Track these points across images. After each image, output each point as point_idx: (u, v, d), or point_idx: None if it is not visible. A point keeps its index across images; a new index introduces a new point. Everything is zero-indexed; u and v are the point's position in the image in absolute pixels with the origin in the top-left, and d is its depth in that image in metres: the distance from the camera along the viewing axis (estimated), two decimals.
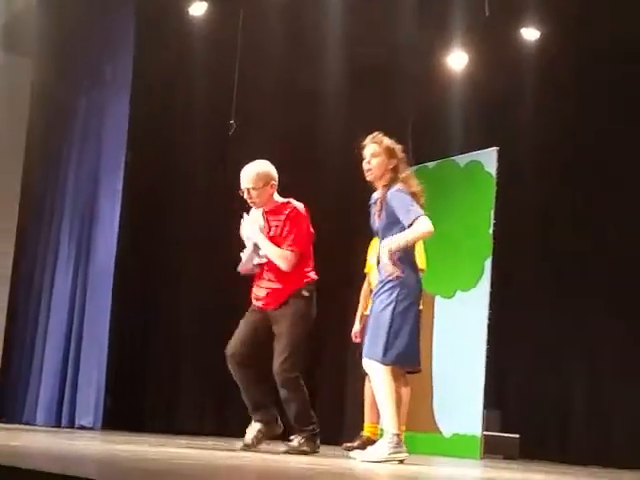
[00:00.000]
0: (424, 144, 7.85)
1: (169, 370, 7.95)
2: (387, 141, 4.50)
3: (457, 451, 6.95)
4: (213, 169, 8.03)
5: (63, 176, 7.15)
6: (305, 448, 4.60)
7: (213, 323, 7.92)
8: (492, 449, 7.17)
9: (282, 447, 4.68)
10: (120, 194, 6.82)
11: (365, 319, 5.94)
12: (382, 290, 4.36)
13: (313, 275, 4.79)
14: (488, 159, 7.42)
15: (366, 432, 5.99)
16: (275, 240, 4.70)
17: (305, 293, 4.69)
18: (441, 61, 7.78)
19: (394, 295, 4.30)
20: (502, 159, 7.35)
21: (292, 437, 4.67)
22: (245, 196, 4.69)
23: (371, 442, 5.30)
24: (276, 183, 4.73)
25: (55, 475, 1.94)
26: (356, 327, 6.16)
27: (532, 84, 7.50)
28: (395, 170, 4.43)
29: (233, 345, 4.68)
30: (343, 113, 7.79)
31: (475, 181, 7.50)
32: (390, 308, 4.29)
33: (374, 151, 4.47)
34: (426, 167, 7.76)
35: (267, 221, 4.76)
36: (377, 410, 5.88)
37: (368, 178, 4.52)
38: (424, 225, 4.26)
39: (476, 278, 7.23)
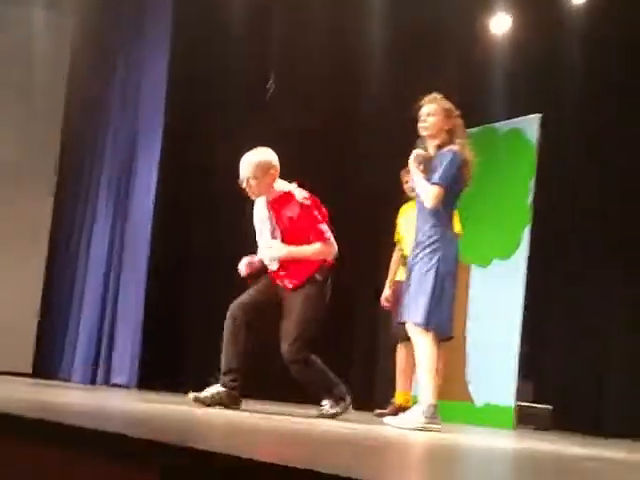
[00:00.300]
0: (465, 109, 7.73)
1: (205, 329, 7.97)
2: (445, 103, 4.49)
3: (489, 421, 6.92)
4: (250, 129, 7.98)
5: (102, 135, 7.17)
6: (335, 410, 4.57)
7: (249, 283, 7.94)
8: (524, 420, 7.13)
9: (315, 412, 4.67)
10: (158, 154, 6.82)
11: (397, 285, 5.92)
12: (422, 254, 4.34)
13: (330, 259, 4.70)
14: (530, 126, 7.28)
15: (398, 399, 5.98)
16: (293, 233, 4.60)
17: (318, 277, 4.63)
18: (484, 24, 7.64)
19: (435, 260, 4.31)
20: (544, 126, 7.21)
21: (323, 402, 4.66)
22: (244, 186, 4.60)
23: (403, 409, 5.30)
24: (276, 172, 4.62)
25: (89, 430, 1.95)
26: (386, 292, 6.15)
27: (577, 49, 7.31)
28: (450, 133, 4.43)
29: (238, 306, 4.60)
30: (385, 77, 7.69)
31: (516, 148, 7.37)
32: (432, 272, 4.29)
33: (431, 110, 4.48)
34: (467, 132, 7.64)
35: (274, 211, 4.65)
36: (409, 378, 5.90)
37: (422, 134, 4.53)
38: (430, 195, 4.36)
39: (514, 247, 7.14)
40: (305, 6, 7.33)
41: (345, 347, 8.71)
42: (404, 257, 5.89)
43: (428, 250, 4.35)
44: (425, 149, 4.56)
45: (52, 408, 3.01)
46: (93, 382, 6.64)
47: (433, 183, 4.37)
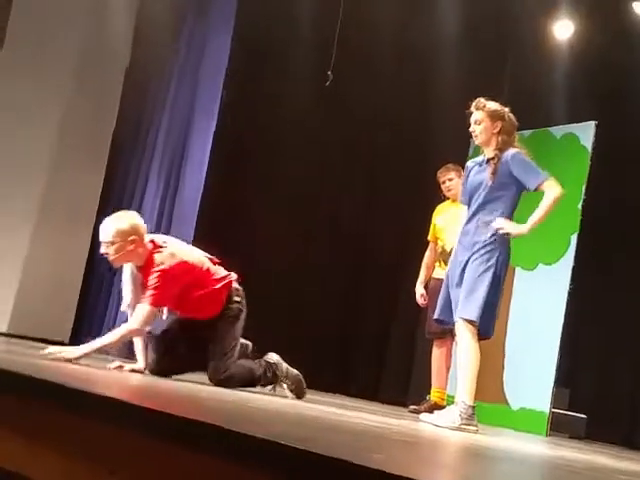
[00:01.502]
0: (521, 111, 7.68)
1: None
2: (490, 105, 4.49)
3: (523, 425, 6.89)
4: (306, 115, 8.00)
5: (158, 112, 7.23)
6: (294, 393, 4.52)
7: (290, 277, 8.00)
8: (558, 427, 7.09)
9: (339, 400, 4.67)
10: (212, 133, 6.87)
11: (434, 282, 5.91)
12: (481, 252, 4.34)
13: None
14: (585, 132, 7.21)
15: (433, 397, 5.97)
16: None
17: (231, 314, 4.36)
18: (547, 29, 7.57)
19: (494, 259, 4.32)
20: (599, 134, 7.13)
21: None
22: (102, 250, 4.14)
23: (437, 407, 5.29)
24: (138, 238, 4.08)
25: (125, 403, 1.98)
26: (420, 290, 6.11)
27: (637, 57, 7.23)
28: (503, 133, 4.43)
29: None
30: (444, 77, 7.66)
31: (569, 154, 7.30)
32: (491, 271, 4.29)
33: (477, 118, 4.50)
34: (522, 135, 7.57)
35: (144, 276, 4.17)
36: (444, 375, 5.88)
37: (476, 142, 4.58)
38: (555, 190, 4.37)
39: (560, 253, 7.08)
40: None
41: (382, 343, 8.73)
42: (445, 253, 5.89)
43: (487, 249, 4.35)
44: (478, 151, 4.59)
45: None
46: (131, 355, 6.72)
47: (542, 182, 4.36)
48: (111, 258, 4.10)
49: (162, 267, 4.03)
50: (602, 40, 7.36)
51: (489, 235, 4.38)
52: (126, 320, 4.25)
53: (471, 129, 4.53)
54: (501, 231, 4.37)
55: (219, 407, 2.73)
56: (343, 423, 3.15)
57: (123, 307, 4.36)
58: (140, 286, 4.17)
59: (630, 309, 7.64)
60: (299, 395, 4.49)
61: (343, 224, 8.54)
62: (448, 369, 5.84)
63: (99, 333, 6.98)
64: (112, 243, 4.04)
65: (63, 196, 6.97)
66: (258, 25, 7.47)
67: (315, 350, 4.68)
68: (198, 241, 6.84)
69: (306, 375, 4.64)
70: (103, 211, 7.39)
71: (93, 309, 7.18)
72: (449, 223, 5.92)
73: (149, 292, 4.00)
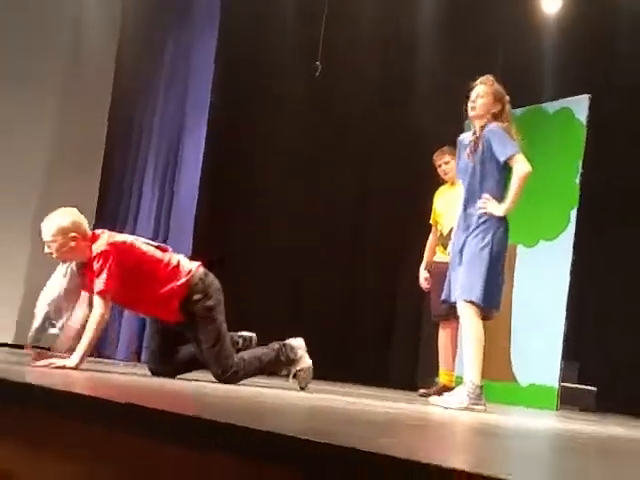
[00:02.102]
0: (513, 89, 7.68)
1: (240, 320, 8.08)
2: (497, 86, 4.50)
3: (533, 401, 6.92)
4: (298, 109, 8.02)
5: (149, 117, 7.25)
6: (300, 385, 4.49)
7: (290, 268, 8.03)
8: (568, 401, 7.12)
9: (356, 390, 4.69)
10: (204, 136, 6.88)
11: (436, 266, 5.95)
12: (476, 232, 4.36)
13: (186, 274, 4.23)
14: (579, 106, 7.21)
15: (441, 379, 6.00)
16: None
17: (196, 297, 4.23)
18: (534, 4, 7.56)
19: (489, 237, 4.33)
20: (594, 107, 7.13)
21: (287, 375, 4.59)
22: (45, 250, 4.06)
23: (447, 389, 5.32)
24: (79, 234, 4.02)
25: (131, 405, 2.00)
26: (423, 273, 6.15)
27: (628, 29, 7.22)
28: (497, 116, 4.45)
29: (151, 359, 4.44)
30: (432, 58, 7.67)
31: (564, 129, 7.31)
32: (487, 250, 4.32)
33: (481, 91, 4.51)
34: (514, 113, 7.56)
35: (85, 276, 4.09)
36: (452, 357, 5.92)
37: (470, 114, 4.56)
38: (521, 168, 4.36)
39: (561, 228, 7.10)
40: None
41: (388, 328, 8.76)
42: (443, 237, 5.93)
43: (481, 228, 4.37)
44: (474, 131, 4.59)
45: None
46: (138, 360, 6.75)
47: (510, 156, 4.36)
48: (54, 256, 4.05)
49: (101, 249, 3.99)
50: (590, 12, 7.35)
51: (481, 214, 4.39)
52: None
53: (471, 100, 4.52)
54: (480, 211, 4.38)
55: (226, 404, 2.75)
56: (353, 412, 3.17)
57: (40, 306, 4.11)
58: (82, 286, 4.11)
59: (634, 279, 7.66)
60: (302, 384, 4.49)
61: (342, 212, 8.55)
62: (455, 350, 5.87)
63: (102, 343, 7.02)
64: (53, 241, 4.00)
65: (59, 204, 6.98)
66: (243, 25, 7.47)
67: (320, 338, 4.67)
68: (196, 243, 6.89)
69: (312, 364, 4.64)
70: (100, 221, 7.44)
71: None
72: (447, 207, 5.98)
73: (99, 280, 3.95)
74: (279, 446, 1.63)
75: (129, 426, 1.95)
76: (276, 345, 4.49)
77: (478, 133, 4.48)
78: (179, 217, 6.94)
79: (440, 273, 5.67)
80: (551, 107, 7.52)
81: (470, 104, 4.53)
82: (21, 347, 5.14)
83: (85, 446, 2.03)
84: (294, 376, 4.49)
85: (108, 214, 7.44)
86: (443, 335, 5.98)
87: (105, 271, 3.95)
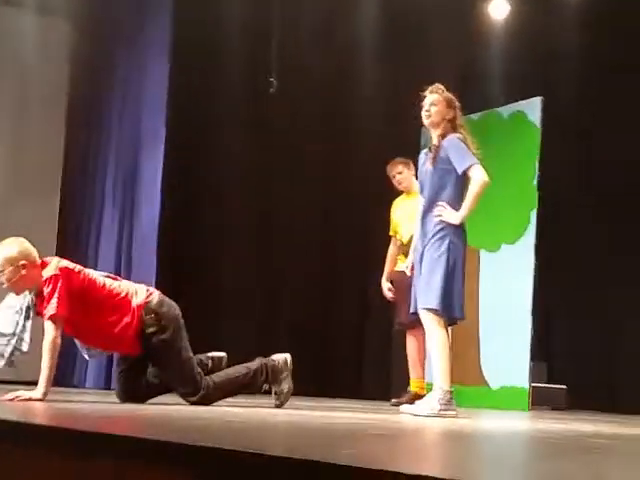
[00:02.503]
0: (468, 95, 7.77)
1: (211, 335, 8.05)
2: (447, 93, 4.61)
3: (505, 403, 6.96)
4: (253, 127, 8.04)
5: (105, 139, 7.22)
6: (276, 402, 4.47)
7: (258, 281, 8.01)
8: (540, 400, 7.16)
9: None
10: (162, 156, 6.87)
11: (397, 275, 5.98)
12: (432, 240, 4.40)
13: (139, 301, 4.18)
14: (532, 109, 7.29)
15: (413, 387, 6.01)
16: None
17: (150, 330, 4.17)
18: (482, 11, 7.65)
19: (445, 245, 4.37)
20: (546, 109, 7.22)
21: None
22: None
23: (419, 397, 5.32)
24: (29, 263, 3.98)
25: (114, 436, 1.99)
26: (385, 285, 6.19)
27: (575, 30, 7.33)
28: (452, 122, 4.51)
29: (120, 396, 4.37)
30: (383, 67, 7.72)
31: (519, 131, 7.39)
32: (444, 258, 4.35)
33: (434, 100, 4.57)
34: (470, 118, 7.65)
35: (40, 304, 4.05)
36: (421, 365, 5.93)
37: (425, 123, 4.62)
38: (478, 178, 4.42)
39: (521, 230, 7.16)
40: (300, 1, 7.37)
41: (358, 340, 8.76)
42: (404, 246, 5.98)
43: (438, 237, 4.41)
44: (430, 139, 4.65)
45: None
46: (108, 387, 6.67)
47: (468, 166, 4.41)
48: (5, 286, 4.03)
49: (50, 274, 3.97)
50: (537, 15, 7.46)
51: (437, 222, 4.44)
52: None
53: (424, 109, 4.58)
54: (437, 218, 4.43)
55: (189, 425, 2.73)
56: (322, 425, 3.17)
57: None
58: (38, 314, 4.07)
59: (597, 276, 7.74)
60: (277, 404, 4.46)
61: (305, 230, 8.56)
62: (424, 358, 5.88)
63: (74, 369, 6.94)
64: (2, 271, 3.97)
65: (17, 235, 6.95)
66: (193, 49, 7.47)
67: (294, 354, 4.64)
68: (161, 261, 6.86)
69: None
70: (61, 246, 7.39)
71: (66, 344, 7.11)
72: (404, 216, 6.08)
73: (50, 304, 3.92)
74: (232, 461, 1.62)
75: (94, 454, 1.94)
76: (256, 364, 4.45)
77: (437, 142, 4.53)
78: (142, 238, 6.91)
79: (403, 281, 5.71)
80: (505, 111, 7.60)
81: (424, 113, 4.60)
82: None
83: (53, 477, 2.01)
84: (275, 396, 4.45)
85: (69, 239, 7.39)
86: (410, 344, 5.99)
87: (55, 295, 3.93)
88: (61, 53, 7.45)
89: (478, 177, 4.42)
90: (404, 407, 4.59)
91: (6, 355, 4.06)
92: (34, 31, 7.11)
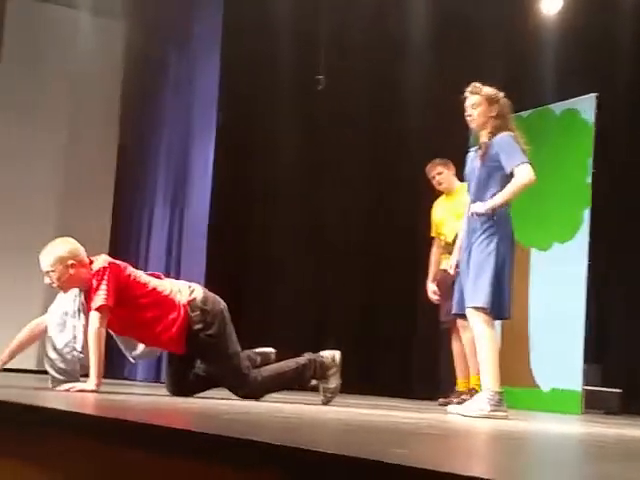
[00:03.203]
0: (519, 92, 7.66)
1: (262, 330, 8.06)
2: (487, 90, 4.53)
3: (556, 406, 6.84)
4: (302, 125, 8.03)
5: (157, 137, 7.30)
6: (323, 399, 4.46)
7: (309, 278, 8.01)
8: (593, 404, 7.03)
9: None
10: (212, 151, 6.91)
11: (442, 274, 5.94)
12: (480, 238, 4.34)
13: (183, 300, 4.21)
14: (586, 106, 7.18)
15: (459, 387, 5.96)
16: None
17: (196, 327, 4.22)
18: (535, 6, 7.54)
19: (494, 243, 4.31)
20: (601, 105, 7.09)
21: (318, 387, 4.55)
22: (46, 281, 4.13)
23: (465, 397, 5.27)
24: (77, 262, 4.07)
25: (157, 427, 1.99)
26: (431, 288, 6.16)
27: (630, 26, 7.18)
28: (499, 117, 4.44)
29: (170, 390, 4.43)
30: (432, 64, 7.66)
31: (572, 129, 7.27)
32: (493, 256, 4.29)
33: (473, 102, 4.52)
34: (520, 116, 7.54)
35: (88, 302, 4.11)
36: (467, 364, 5.85)
37: (471, 126, 4.58)
38: (524, 174, 4.34)
39: (574, 230, 7.04)
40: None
41: (407, 339, 8.71)
42: (448, 245, 5.94)
43: (486, 235, 4.35)
44: (478, 139, 4.59)
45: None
46: (157, 379, 6.75)
47: (517, 165, 4.34)
48: (55, 286, 4.12)
49: (99, 266, 4.04)
50: (591, 10, 7.32)
51: (485, 220, 4.37)
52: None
53: (467, 113, 4.54)
54: (472, 210, 4.36)
55: (236, 419, 2.73)
56: (371, 423, 3.15)
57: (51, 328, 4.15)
58: (86, 312, 4.11)
59: None
60: (325, 401, 4.46)
61: (354, 229, 8.54)
62: (470, 357, 5.79)
63: (121, 370, 7.02)
64: (53, 271, 4.06)
65: (74, 232, 7.07)
66: (245, 42, 7.49)
67: (342, 352, 4.61)
68: (210, 259, 6.89)
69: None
70: (114, 245, 7.48)
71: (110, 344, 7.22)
72: (446, 216, 6.10)
73: (97, 295, 3.98)
74: (285, 458, 1.61)
75: (141, 445, 1.95)
76: (305, 359, 4.46)
77: (488, 139, 4.47)
78: (192, 236, 6.96)
79: (445, 280, 5.70)
80: (557, 108, 7.49)
81: (467, 117, 4.56)
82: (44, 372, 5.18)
83: (104, 465, 2.03)
84: (323, 392, 4.45)
85: (122, 236, 7.49)
86: (455, 343, 5.95)
87: (103, 287, 3.99)
88: (115, 53, 7.57)
89: (522, 175, 4.32)
90: (452, 407, 4.55)
91: (75, 359, 4.12)
92: (89, 31, 7.23)
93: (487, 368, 4.26)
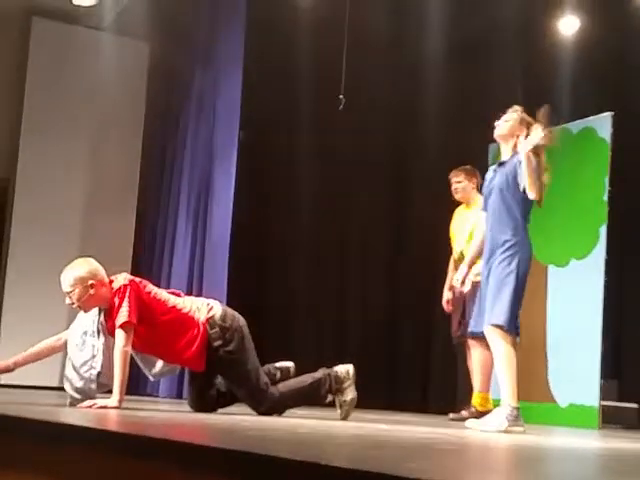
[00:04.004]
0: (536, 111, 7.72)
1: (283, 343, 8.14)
2: (525, 115, 4.59)
3: (574, 421, 6.87)
4: (324, 144, 8.14)
5: (180, 154, 7.41)
6: (341, 415, 4.52)
7: (328, 294, 8.07)
8: (610, 419, 7.05)
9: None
10: (234, 169, 7.01)
11: (453, 289, 5.96)
12: (502, 257, 4.40)
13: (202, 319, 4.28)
14: (602, 125, 7.22)
15: (474, 402, 5.95)
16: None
17: (216, 344, 4.28)
18: (552, 26, 7.62)
19: (515, 262, 4.37)
20: (617, 124, 7.14)
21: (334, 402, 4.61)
22: (67, 301, 4.19)
23: (481, 412, 5.30)
24: (97, 282, 4.12)
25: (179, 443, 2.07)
26: (446, 296, 6.15)
27: None
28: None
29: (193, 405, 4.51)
30: (450, 82, 7.75)
31: (589, 148, 7.32)
32: (513, 276, 4.37)
33: (509, 116, 4.61)
34: None
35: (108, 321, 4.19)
36: (482, 379, 5.86)
37: (495, 134, 4.65)
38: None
39: (591, 246, 7.08)
40: (369, 23, 7.46)
41: (424, 355, 8.75)
42: (454, 260, 6.00)
43: (508, 253, 4.41)
44: (499, 155, 4.67)
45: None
46: (179, 396, 6.81)
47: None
48: (75, 306, 4.16)
49: (120, 284, 4.09)
50: (608, 32, 7.38)
51: (507, 238, 4.43)
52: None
53: (497, 122, 4.62)
54: (521, 149, 4.35)
55: (255, 435, 2.80)
56: (388, 437, 3.21)
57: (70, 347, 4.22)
58: (107, 332, 4.19)
59: None
60: (343, 415, 4.52)
61: (374, 246, 8.62)
62: (486, 372, 5.80)
63: (144, 386, 7.10)
64: (73, 291, 4.11)
65: (97, 250, 7.20)
66: (266, 62, 7.61)
67: (358, 368, 4.69)
68: (232, 274, 6.98)
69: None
70: (136, 261, 7.58)
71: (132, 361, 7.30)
72: (458, 229, 6.13)
73: (120, 313, 4.03)
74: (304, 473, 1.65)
75: (163, 460, 2.02)
76: (320, 374, 4.52)
77: (511, 153, 4.54)
78: (214, 251, 7.04)
79: (457, 295, 5.75)
80: (574, 127, 7.54)
81: (497, 124, 4.64)
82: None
83: None
84: (339, 406, 4.52)
85: (144, 253, 7.59)
86: (472, 357, 5.95)
87: (125, 303, 4.04)
88: (139, 73, 7.69)
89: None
90: (470, 422, 4.60)
91: (92, 378, 4.19)
92: (113, 50, 7.37)
93: (506, 384, 4.32)
